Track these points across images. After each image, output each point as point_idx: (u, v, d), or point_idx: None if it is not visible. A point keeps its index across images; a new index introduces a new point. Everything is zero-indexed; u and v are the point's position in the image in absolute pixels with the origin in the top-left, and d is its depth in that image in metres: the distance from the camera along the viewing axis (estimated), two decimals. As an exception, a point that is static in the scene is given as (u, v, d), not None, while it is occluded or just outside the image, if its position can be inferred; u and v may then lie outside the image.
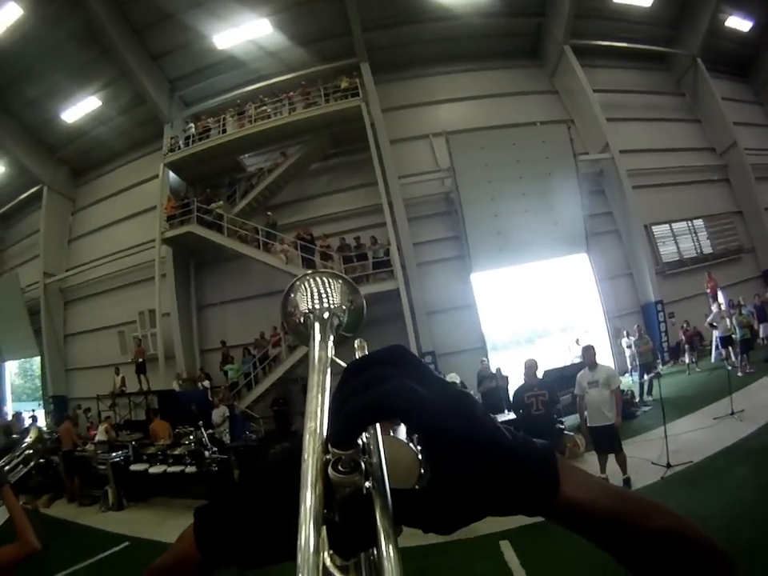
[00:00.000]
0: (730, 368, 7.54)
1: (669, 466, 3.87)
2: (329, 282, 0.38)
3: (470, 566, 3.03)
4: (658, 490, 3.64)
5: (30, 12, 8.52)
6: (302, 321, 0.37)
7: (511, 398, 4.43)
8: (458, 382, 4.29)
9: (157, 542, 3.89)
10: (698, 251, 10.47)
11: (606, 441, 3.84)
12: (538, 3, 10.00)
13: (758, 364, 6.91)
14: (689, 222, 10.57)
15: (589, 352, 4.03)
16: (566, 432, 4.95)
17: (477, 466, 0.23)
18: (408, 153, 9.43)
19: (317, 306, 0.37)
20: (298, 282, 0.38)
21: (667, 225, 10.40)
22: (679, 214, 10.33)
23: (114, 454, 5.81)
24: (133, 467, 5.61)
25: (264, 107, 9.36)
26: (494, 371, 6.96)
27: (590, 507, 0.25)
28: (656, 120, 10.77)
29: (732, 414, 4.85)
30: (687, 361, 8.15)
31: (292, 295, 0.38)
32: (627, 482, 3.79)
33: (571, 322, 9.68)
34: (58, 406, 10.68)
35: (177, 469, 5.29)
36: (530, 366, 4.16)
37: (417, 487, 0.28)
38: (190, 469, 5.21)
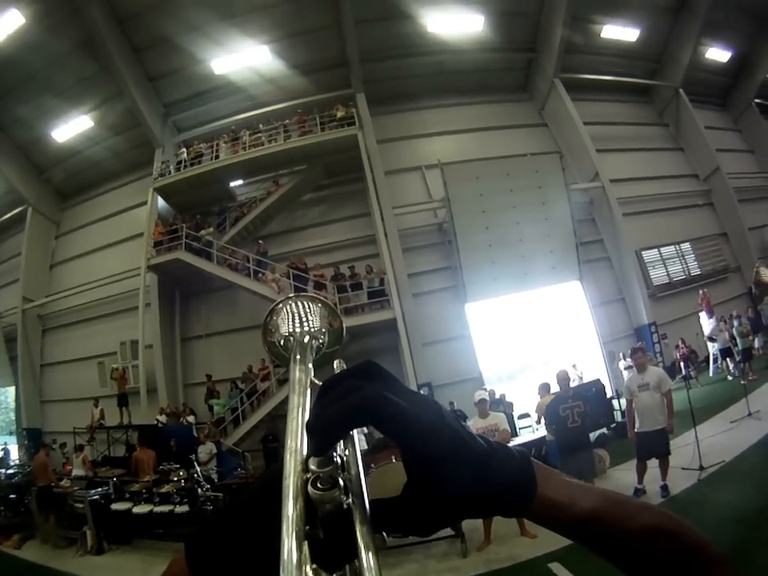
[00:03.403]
0: (731, 378, 7.67)
1: (702, 468, 3.84)
2: (308, 306, 0.39)
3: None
4: (698, 491, 3.57)
5: (32, 21, 8.35)
6: (282, 344, 0.38)
7: (543, 414, 4.23)
8: (487, 399, 4.01)
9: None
10: (687, 273, 10.79)
11: (656, 446, 3.71)
12: (529, 39, 10.38)
13: (760, 371, 7.14)
14: (677, 246, 10.91)
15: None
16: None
17: (453, 472, 0.23)
18: (401, 184, 9.46)
19: (297, 329, 0.38)
20: (279, 306, 0.39)
21: (656, 249, 10.67)
22: (667, 238, 10.63)
23: (92, 491, 5.27)
24: (114, 506, 5.08)
25: (258, 134, 9.31)
26: (498, 397, 6.80)
27: (569, 508, 0.26)
28: (641, 150, 11.16)
29: (749, 414, 4.88)
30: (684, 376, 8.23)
31: (273, 319, 0.39)
32: (665, 488, 3.69)
33: (567, 350, 9.62)
34: (32, 439, 10.02)
35: (165, 508, 4.81)
36: (563, 378, 4.00)
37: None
38: (181, 508, 4.73)
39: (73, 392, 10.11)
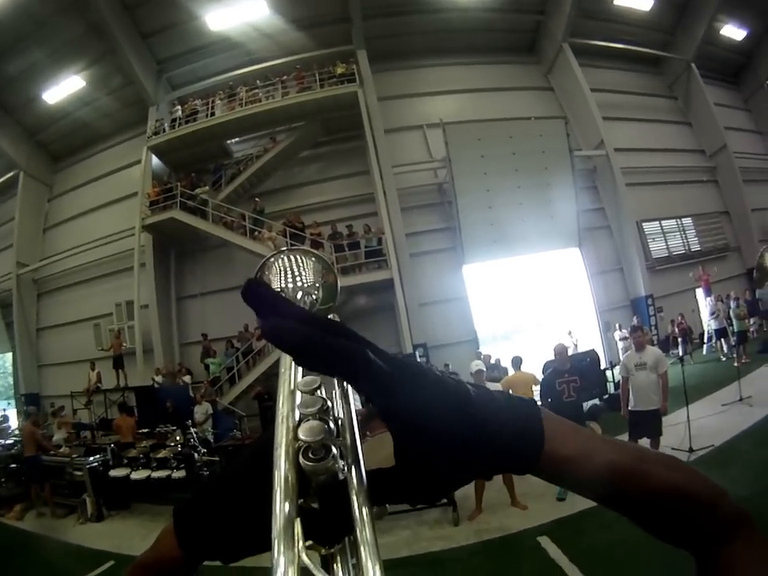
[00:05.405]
0: (724, 358, 7.70)
1: (691, 450, 3.85)
2: (301, 260, 0.38)
3: (513, 567, 2.78)
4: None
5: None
6: None
7: (539, 386, 4.20)
8: (484, 369, 4.00)
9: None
10: (687, 248, 10.73)
11: (648, 425, 3.70)
12: (539, 1, 10.02)
13: (753, 355, 7.13)
14: (678, 220, 10.85)
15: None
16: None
17: (459, 439, 0.21)
18: (401, 143, 9.26)
19: (289, 285, 0.36)
20: (270, 260, 0.37)
21: (657, 222, 10.60)
22: (669, 211, 10.55)
23: (91, 459, 5.26)
24: (113, 473, 5.08)
25: (256, 90, 9.04)
26: (493, 362, 6.80)
27: (583, 463, 0.24)
28: (648, 121, 10.96)
29: (741, 399, 4.91)
30: (681, 353, 8.23)
31: (264, 274, 0.37)
32: None
33: (563, 316, 9.64)
34: (31, 404, 10.04)
35: (162, 474, 4.83)
36: (561, 352, 3.93)
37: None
38: (178, 473, 4.76)
39: (70, 355, 10.09)
